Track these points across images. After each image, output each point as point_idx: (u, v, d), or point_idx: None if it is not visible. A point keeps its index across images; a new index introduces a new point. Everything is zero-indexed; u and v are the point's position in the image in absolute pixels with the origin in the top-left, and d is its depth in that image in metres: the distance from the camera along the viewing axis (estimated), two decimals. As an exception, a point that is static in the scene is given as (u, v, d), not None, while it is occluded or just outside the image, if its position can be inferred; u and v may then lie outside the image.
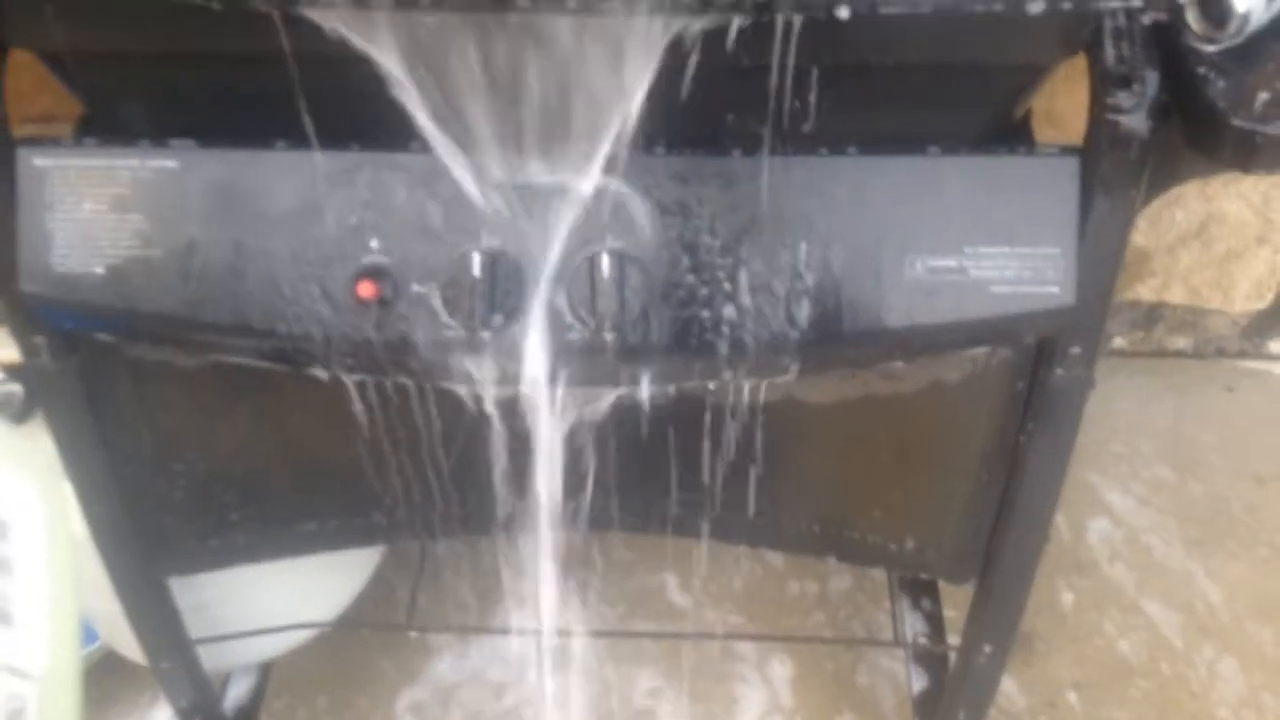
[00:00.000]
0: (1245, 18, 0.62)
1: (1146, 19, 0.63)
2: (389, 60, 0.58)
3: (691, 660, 1.18)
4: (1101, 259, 0.67)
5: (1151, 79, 0.62)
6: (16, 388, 0.77)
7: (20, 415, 0.77)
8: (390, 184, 0.67)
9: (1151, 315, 1.47)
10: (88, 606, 0.87)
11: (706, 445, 0.80)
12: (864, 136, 0.67)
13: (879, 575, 1.23)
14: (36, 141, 0.67)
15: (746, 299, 0.67)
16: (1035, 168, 0.66)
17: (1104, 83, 0.63)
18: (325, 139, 0.66)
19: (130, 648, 0.93)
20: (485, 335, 0.67)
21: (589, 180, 0.65)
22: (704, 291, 0.67)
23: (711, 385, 0.75)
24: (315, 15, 0.56)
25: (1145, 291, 1.42)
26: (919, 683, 1.08)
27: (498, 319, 0.66)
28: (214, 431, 0.81)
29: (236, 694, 1.10)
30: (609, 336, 0.67)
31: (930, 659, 1.09)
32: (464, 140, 0.63)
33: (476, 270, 0.65)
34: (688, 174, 0.66)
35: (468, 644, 1.19)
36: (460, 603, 1.21)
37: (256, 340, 0.69)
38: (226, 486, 0.84)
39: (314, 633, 1.06)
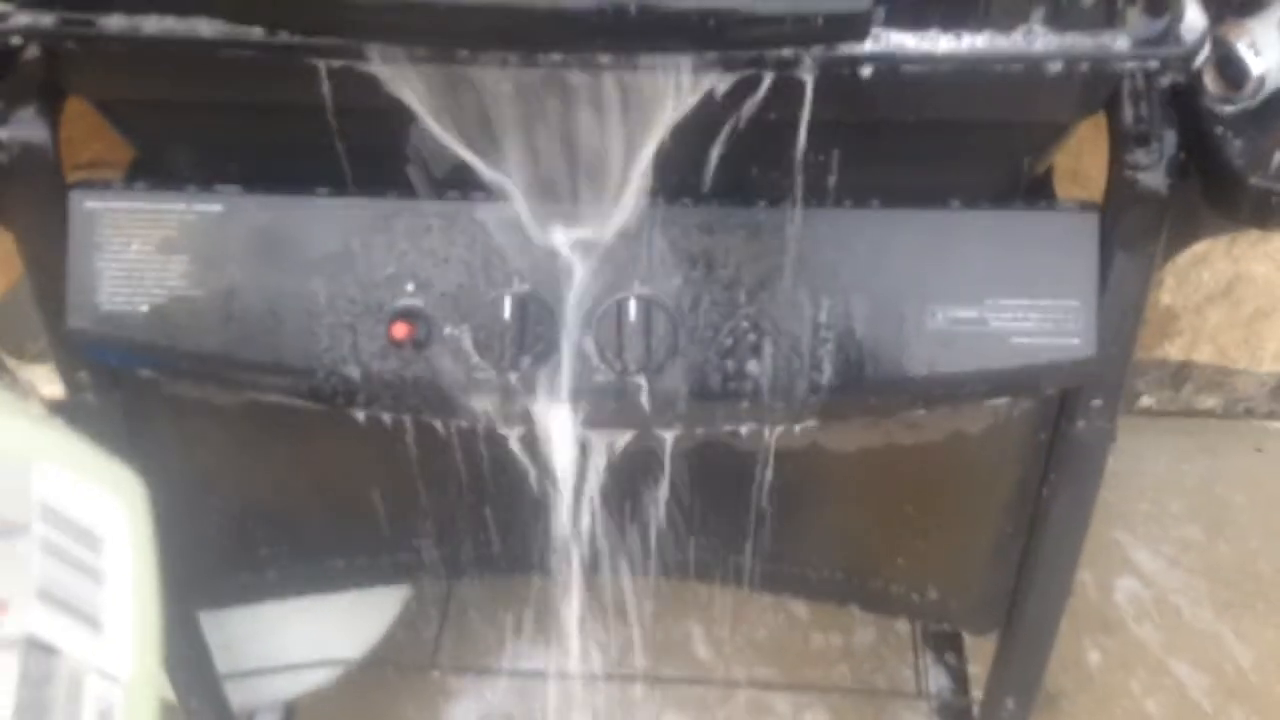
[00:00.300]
0: (1261, 80, 0.64)
1: (1164, 80, 0.65)
2: (425, 109, 0.60)
3: (719, 713, 1.18)
4: (1122, 312, 0.68)
5: (1170, 138, 0.64)
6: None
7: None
8: (426, 230, 0.69)
9: (1179, 375, 1.46)
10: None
11: (731, 491, 0.81)
12: (887, 190, 0.68)
13: (903, 628, 1.23)
14: (88, 185, 0.70)
15: (770, 346, 0.68)
16: (1056, 222, 0.68)
17: (1123, 141, 0.64)
18: (364, 186, 0.68)
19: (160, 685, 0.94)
20: (514, 377, 0.68)
21: (617, 228, 0.66)
22: (729, 338, 0.68)
23: (735, 431, 0.76)
24: (361, 68, 0.59)
25: (1173, 351, 1.42)
26: (942, 737, 1.07)
27: (527, 361, 0.68)
28: (249, 467, 0.83)
29: (262, 733, 1.11)
30: (635, 380, 0.68)
31: (953, 713, 1.09)
32: (498, 188, 0.65)
33: (507, 314, 0.67)
34: (714, 224, 0.68)
35: (491, 685, 1.19)
36: (485, 645, 1.22)
37: (293, 379, 0.71)
38: (258, 522, 0.85)
39: (339, 672, 1.07)
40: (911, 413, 0.75)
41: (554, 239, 0.68)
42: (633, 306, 0.67)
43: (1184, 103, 0.65)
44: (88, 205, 0.69)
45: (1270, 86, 0.64)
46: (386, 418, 0.76)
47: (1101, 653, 1.22)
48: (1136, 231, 0.66)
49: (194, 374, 0.75)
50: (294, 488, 0.85)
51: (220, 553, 0.86)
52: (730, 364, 0.68)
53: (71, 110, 0.69)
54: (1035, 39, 0.58)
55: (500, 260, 0.68)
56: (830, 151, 0.67)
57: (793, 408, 0.70)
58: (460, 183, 0.67)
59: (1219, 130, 0.63)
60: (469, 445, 0.78)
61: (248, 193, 0.69)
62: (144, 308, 0.70)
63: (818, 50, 0.56)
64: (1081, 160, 0.99)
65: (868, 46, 0.56)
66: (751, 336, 0.68)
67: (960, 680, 1.10)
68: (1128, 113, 0.64)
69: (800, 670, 1.21)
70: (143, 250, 0.69)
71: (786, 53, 0.56)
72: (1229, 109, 0.65)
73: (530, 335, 0.68)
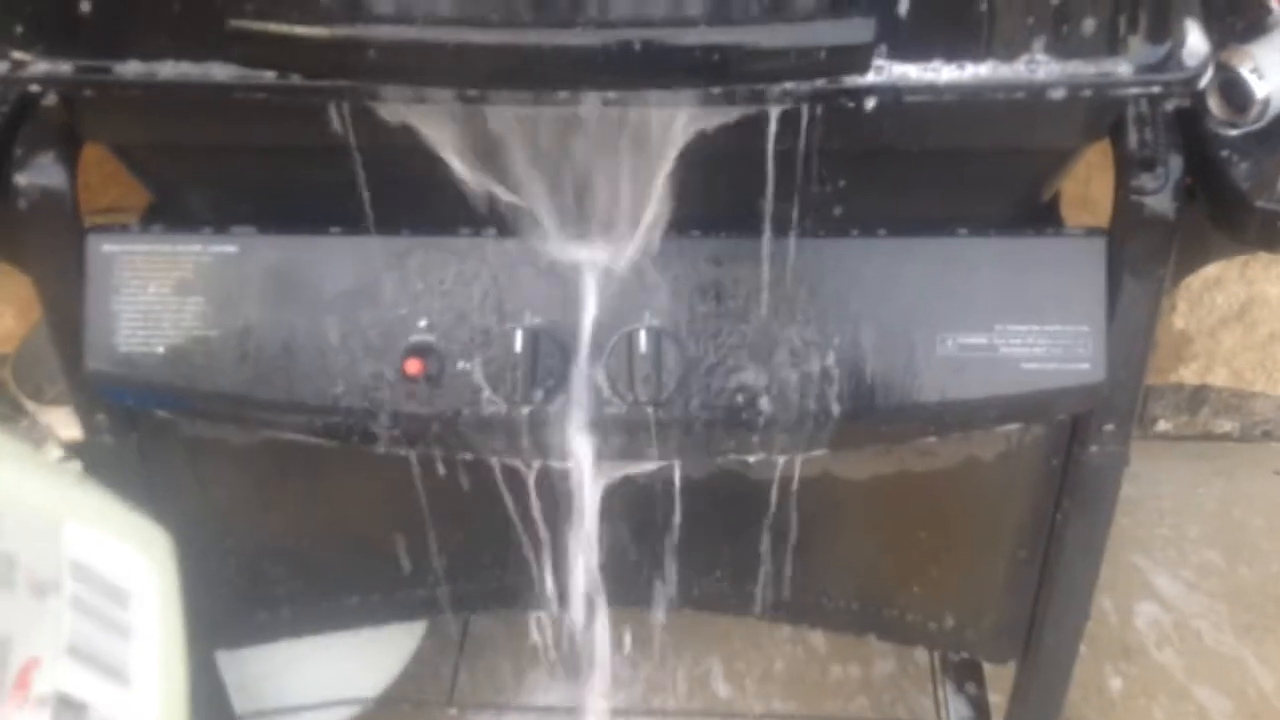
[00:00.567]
0: (1266, 103, 0.64)
1: (1169, 105, 0.65)
2: (440, 147, 0.61)
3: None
4: (1131, 336, 0.68)
5: (1175, 162, 0.64)
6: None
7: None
8: (438, 266, 0.69)
9: (1196, 398, 1.46)
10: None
11: (745, 521, 0.81)
12: (895, 218, 0.69)
13: (923, 658, 1.22)
14: (105, 228, 0.71)
15: (781, 375, 0.69)
16: (1063, 248, 0.68)
17: (1128, 166, 0.65)
18: (377, 224, 0.69)
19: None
20: (526, 410, 0.69)
21: (627, 260, 0.67)
22: (739, 368, 0.68)
23: (748, 461, 0.76)
24: (371, 108, 0.60)
25: (1188, 375, 1.42)
26: (963, 768, 1.07)
27: (539, 394, 0.68)
28: (265, 506, 0.83)
29: (280, 772, 1.11)
30: (647, 411, 0.68)
31: (975, 744, 1.08)
32: (508, 223, 0.66)
33: (518, 347, 0.68)
34: (722, 255, 0.68)
35: (508, 721, 1.19)
36: (501, 682, 1.21)
37: (308, 417, 0.72)
38: (274, 560, 0.86)
39: (356, 711, 1.07)
40: (923, 440, 0.75)
41: (564, 273, 0.68)
42: (643, 338, 0.68)
43: (1189, 127, 0.65)
44: (105, 248, 0.70)
45: (1275, 109, 0.65)
46: (401, 454, 0.77)
47: (1123, 679, 1.21)
48: (1144, 255, 0.66)
49: (210, 414, 0.76)
50: (309, 526, 0.86)
51: (236, 592, 0.87)
52: (741, 394, 0.69)
53: (89, 157, 0.70)
54: (1038, 67, 0.58)
55: (511, 294, 0.69)
56: (837, 181, 0.68)
57: (804, 437, 0.70)
58: (472, 217, 0.68)
59: (1224, 153, 0.64)
60: (483, 479, 0.78)
61: (262, 233, 0.70)
62: (160, 349, 0.70)
63: (821, 83, 0.56)
64: (1090, 187, 0.99)
65: (871, 78, 0.57)
66: (762, 366, 0.69)
67: (981, 710, 1.09)
68: (1133, 138, 0.64)
69: (820, 702, 1.20)
70: (159, 292, 0.70)
71: (790, 86, 0.56)
72: (1234, 132, 0.65)
73: (542, 368, 0.68)
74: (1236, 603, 1.29)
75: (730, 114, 0.59)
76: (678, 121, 0.59)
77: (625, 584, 0.85)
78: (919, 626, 0.86)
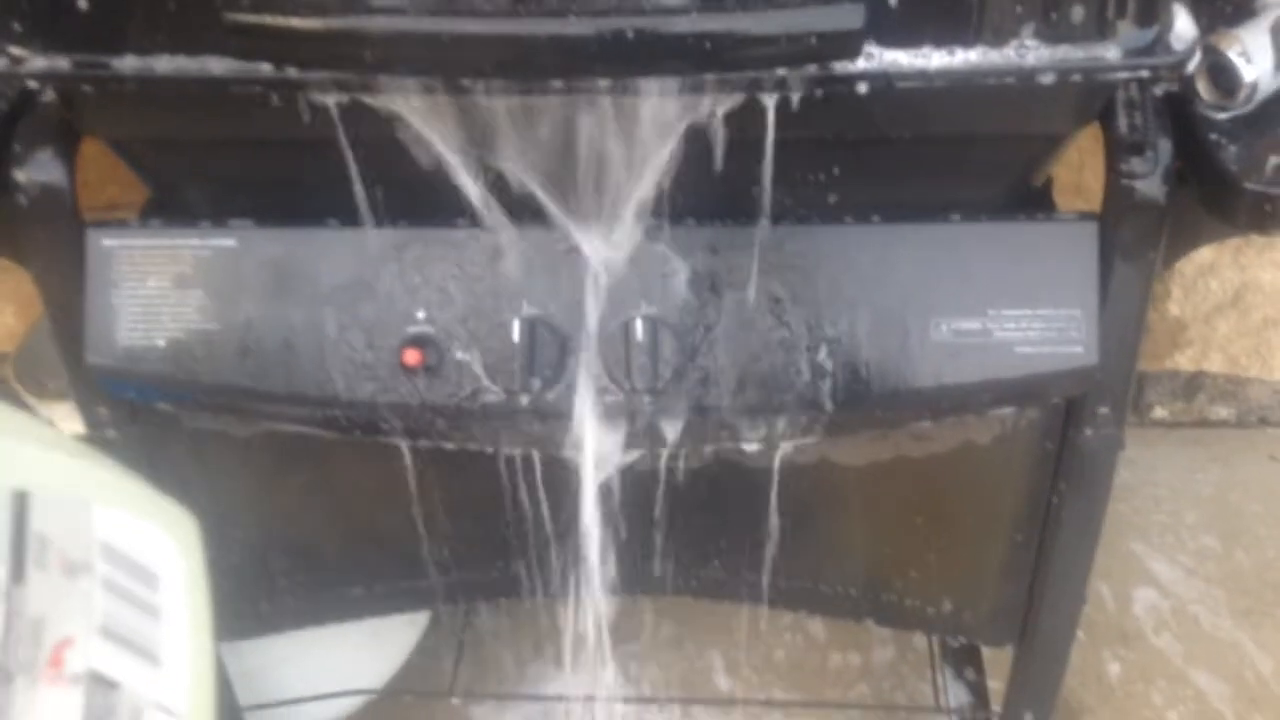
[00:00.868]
0: (1254, 86, 0.65)
1: (1158, 89, 0.66)
2: (435, 139, 0.62)
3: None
4: (1124, 319, 0.68)
5: (1165, 146, 0.65)
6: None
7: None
8: (435, 258, 0.70)
9: (1191, 385, 1.47)
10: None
11: (743, 508, 0.81)
12: (888, 205, 0.69)
13: (921, 645, 1.22)
14: (104, 223, 0.71)
15: (776, 362, 0.69)
16: (1055, 232, 0.69)
17: (1118, 150, 0.65)
18: (374, 217, 0.70)
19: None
20: (525, 399, 0.69)
21: (622, 250, 0.68)
22: (736, 356, 0.69)
23: (746, 448, 0.76)
24: (366, 99, 0.60)
25: (1184, 361, 1.42)
26: (963, 753, 1.07)
27: (536, 384, 0.69)
28: (267, 498, 0.84)
29: (284, 765, 1.11)
30: (644, 399, 0.69)
31: (974, 729, 1.08)
32: (504, 214, 0.67)
33: (516, 337, 0.68)
34: (717, 243, 0.69)
35: (512, 712, 1.19)
36: (503, 672, 1.22)
37: (309, 408, 0.72)
38: (277, 551, 0.86)
39: (360, 702, 1.07)
40: (919, 425, 0.76)
41: (561, 262, 0.69)
42: (640, 327, 0.68)
43: (1179, 111, 0.66)
44: (105, 243, 0.71)
45: (1263, 93, 0.65)
46: (402, 444, 0.77)
47: (1121, 664, 1.22)
48: (1135, 239, 0.67)
49: (211, 406, 0.76)
50: (312, 517, 0.86)
51: (240, 583, 0.87)
52: (736, 382, 0.69)
53: (88, 154, 0.71)
54: (1027, 53, 0.59)
55: (508, 285, 0.69)
56: (831, 169, 0.68)
57: (801, 423, 0.71)
58: (469, 209, 0.69)
59: (1214, 137, 0.64)
60: (483, 469, 0.79)
61: (260, 226, 0.70)
62: (161, 342, 0.71)
63: (813, 70, 0.57)
64: (1083, 174, 1.00)
65: (862, 64, 0.57)
66: (757, 354, 0.69)
67: (980, 695, 1.10)
68: (1123, 122, 0.65)
69: (820, 690, 1.21)
70: (159, 286, 0.71)
71: (782, 73, 0.57)
72: (1223, 116, 0.66)
73: (540, 358, 0.69)
74: (1234, 588, 1.29)
75: (722, 102, 0.59)
76: (671, 110, 0.60)
77: (625, 573, 0.86)
78: (917, 611, 0.87)
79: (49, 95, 0.66)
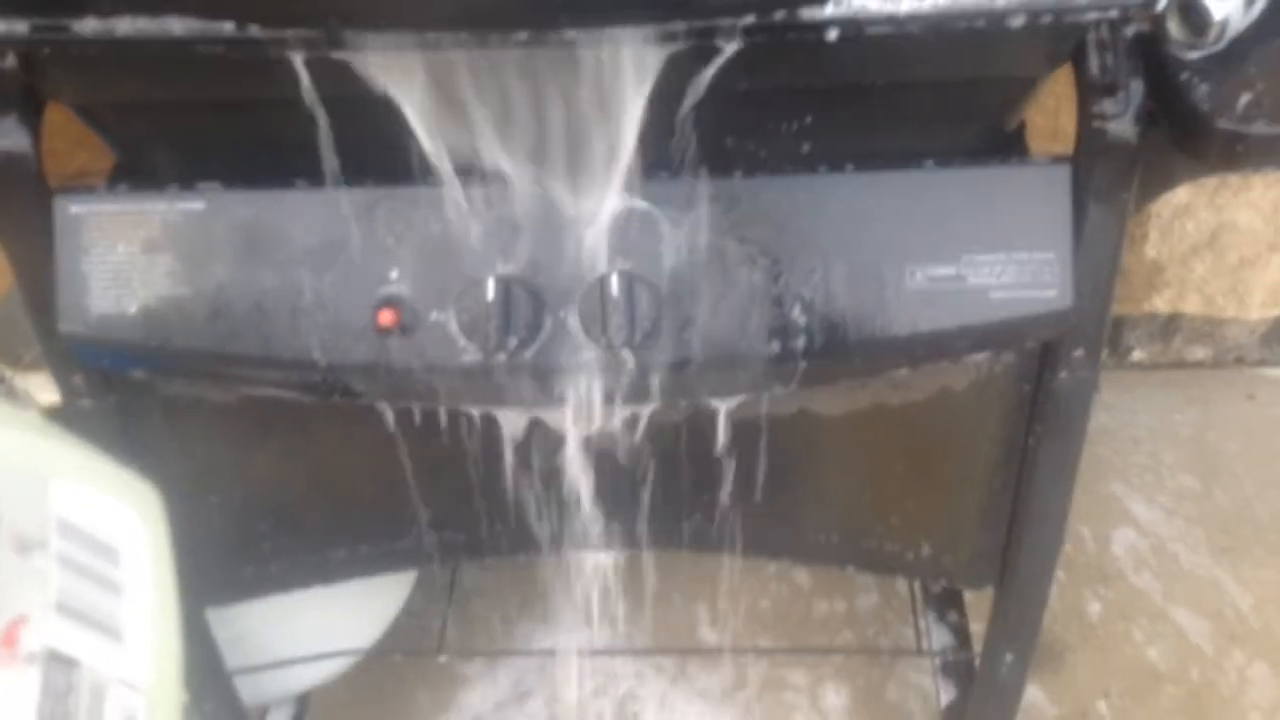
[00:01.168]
0: (1224, 24, 0.64)
1: (1129, 30, 0.65)
2: (403, 97, 0.61)
3: (729, 682, 1.19)
4: (1098, 261, 0.69)
5: (1136, 87, 0.65)
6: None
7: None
8: (407, 217, 0.69)
9: (1169, 327, 1.47)
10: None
11: (724, 460, 0.81)
12: (861, 153, 0.69)
13: (904, 591, 1.24)
14: (72, 190, 0.70)
15: (753, 315, 0.69)
16: (1028, 176, 0.69)
17: (1090, 92, 0.65)
18: (344, 176, 0.69)
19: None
20: (501, 358, 0.69)
21: (596, 205, 0.67)
22: (711, 309, 0.69)
23: (724, 400, 0.77)
24: (331, 56, 0.60)
25: (1160, 303, 1.43)
26: (947, 695, 1.09)
27: (513, 342, 0.69)
28: (247, 463, 0.84)
29: (276, 727, 1.12)
30: (622, 354, 0.69)
31: (957, 671, 1.10)
32: (475, 171, 0.66)
33: (491, 295, 0.68)
34: (691, 196, 0.69)
35: (501, 666, 1.20)
36: (489, 630, 1.23)
37: (283, 371, 0.72)
38: (260, 516, 0.86)
39: (350, 663, 1.08)
40: (896, 373, 0.76)
41: (534, 219, 0.68)
42: (615, 282, 0.68)
43: (1150, 51, 0.65)
44: (72, 210, 0.70)
45: (1233, 30, 0.65)
46: (379, 406, 0.77)
47: (1102, 604, 1.24)
48: (1108, 181, 0.67)
49: (186, 372, 0.76)
50: (293, 480, 0.86)
51: (223, 548, 0.87)
52: (714, 334, 0.69)
53: (54, 122, 0.70)
54: (997, -6, 0.58)
55: (481, 243, 0.69)
56: (803, 118, 0.68)
57: (778, 374, 0.71)
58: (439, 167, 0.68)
59: (1185, 76, 0.64)
60: (462, 428, 0.79)
61: (228, 189, 0.70)
62: (133, 309, 0.70)
63: (781, 15, 0.56)
64: (1059, 120, 0.99)
65: (830, 10, 0.57)
66: (734, 306, 0.69)
67: (962, 638, 1.11)
68: (1094, 64, 0.64)
69: (805, 637, 1.22)
70: (129, 251, 0.70)
71: (750, 20, 0.56)
72: (1194, 55, 0.65)
73: (516, 316, 0.69)
74: (1212, 526, 1.31)
75: (691, 51, 0.59)
76: (640, 61, 0.59)
77: (608, 528, 0.86)
78: (897, 556, 0.88)
79: (10, 60, 0.65)
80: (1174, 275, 1.40)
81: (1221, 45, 0.65)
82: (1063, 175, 0.68)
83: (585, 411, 0.74)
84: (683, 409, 0.79)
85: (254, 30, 0.58)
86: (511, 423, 0.78)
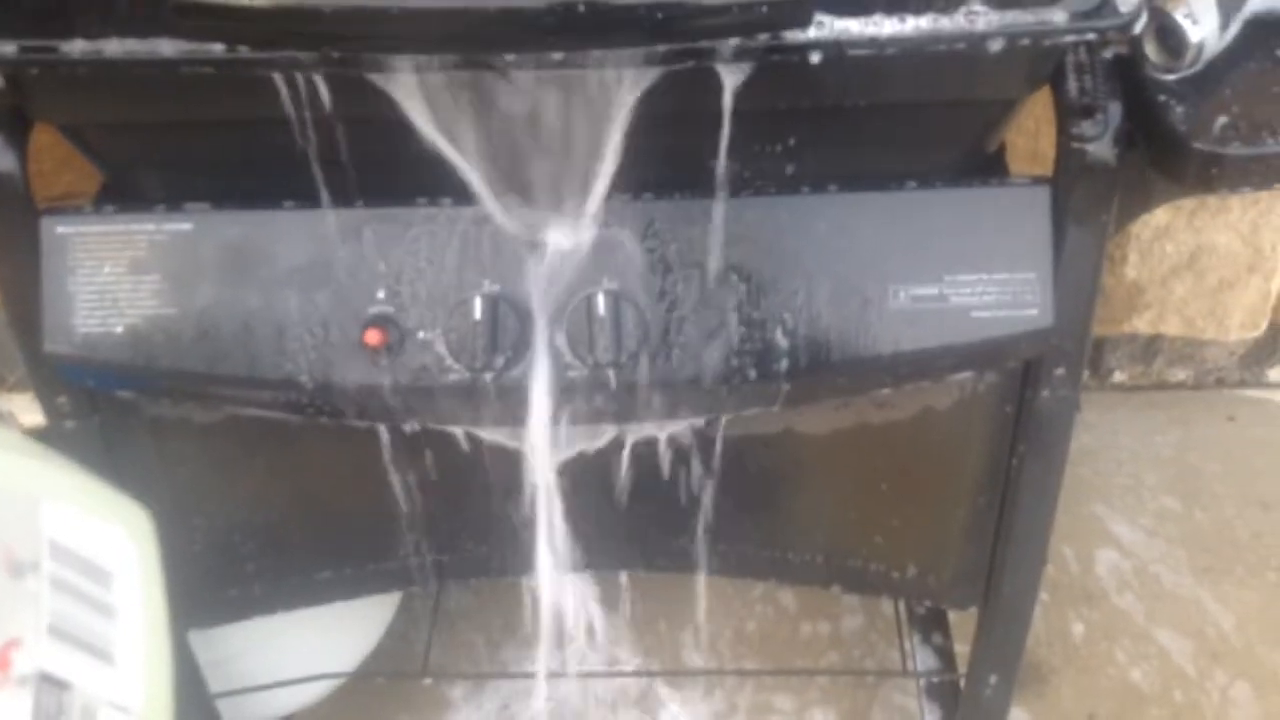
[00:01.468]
0: (1200, 47, 0.66)
1: (1107, 52, 0.66)
2: (390, 117, 0.62)
3: (712, 704, 1.19)
4: (1078, 281, 0.69)
5: (1115, 109, 0.66)
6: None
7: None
8: (394, 237, 0.70)
9: (1150, 348, 1.49)
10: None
11: (709, 480, 0.82)
12: (844, 174, 0.70)
13: (889, 612, 1.24)
14: (58, 210, 0.70)
15: (738, 334, 0.70)
16: (1009, 197, 0.69)
17: (1069, 114, 0.66)
18: (331, 197, 0.69)
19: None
20: (488, 377, 0.69)
21: (583, 225, 0.68)
22: (697, 328, 0.69)
23: (709, 418, 0.77)
24: (325, 79, 0.60)
25: (1141, 325, 1.44)
26: (932, 717, 1.09)
27: (500, 361, 0.69)
28: (231, 484, 0.84)
29: (259, 751, 1.11)
30: (608, 374, 0.69)
31: (943, 692, 1.10)
32: (463, 191, 0.66)
33: (477, 315, 0.68)
34: (676, 216, 0.69)
35: (486, 689, 1.20)
36: (474, 652, 1.23)
37: (270, 392, 0.72)
38: (244, 537, 0.86)
39: (333, 686, 1.07)
40: (880, 392, 0.77)
41: (521, 239, 0.69)
42: (601, 301, 0.69)
43: (1128, 74, 0.67)
44: (59, 230, 0.70)
45: (1209, 53, 0.66)
46: (366, 426, 0.77)
47: (1085, 625, 1.24)
48: (1087, 202, 0.68)
49: (172, 392, 0.76)
50: (277, 501, 0.86)
51: (207, 570, 0.87)
52: (699, 354, 0.70)
53: (41, 144, 0.70)
54: (977, 18, 0.59)
55: (468, 262, 0.69)
56: (786, 139, 0.69)
57: (763, 393, 0.71)
58: (426, 187, 0.68)
59: (1162, 98, 0.65)
60: (448, 449, 0.79)
61: (216, 209, 0.70)
62: (119, 329, 0.70)
63: (764, 39, 0.57)
64: (1039, 142, 1.01)
65: (813, 33, 0.58)
66: (719, 325, 0.70)
67: (947, 659, 1.11)
68: (1072, 86, 0.66)
69: (791, 659, 1.22)
70: (115, 272, 0.70)
71: (734, 43, 0.57)
72: (1171, 77, 0.66)
73: (502, 335, 0.69)
74: (1194, 546, 1.31)
75: (676, 74, 0.59)
76: (625, 83, 0.60)
77: (591, 549, 0.86)
78: (882, 576, 0.88)
79: (-3, 81, 0.66)
80: (1154, 297, 1.41)
81: (1198, 68, 0.66)
82: (1043, 196, 0.69)
83: (570, 431, 0.74)
84: (667, 429, 0.79)
85: (243, 52, 0.58)
86: (496, 442, 0.79)
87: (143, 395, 0.77)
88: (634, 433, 0.78)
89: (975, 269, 0.69)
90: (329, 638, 1.05)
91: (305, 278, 0.70)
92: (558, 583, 0.88)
